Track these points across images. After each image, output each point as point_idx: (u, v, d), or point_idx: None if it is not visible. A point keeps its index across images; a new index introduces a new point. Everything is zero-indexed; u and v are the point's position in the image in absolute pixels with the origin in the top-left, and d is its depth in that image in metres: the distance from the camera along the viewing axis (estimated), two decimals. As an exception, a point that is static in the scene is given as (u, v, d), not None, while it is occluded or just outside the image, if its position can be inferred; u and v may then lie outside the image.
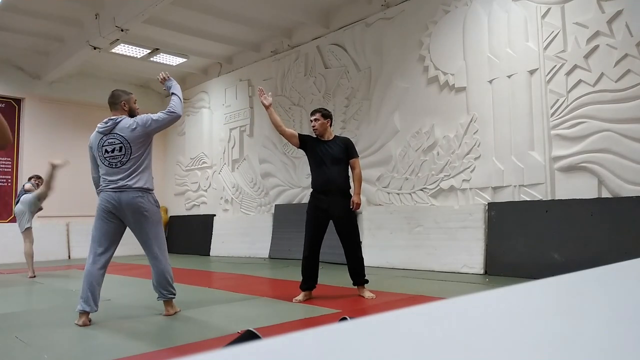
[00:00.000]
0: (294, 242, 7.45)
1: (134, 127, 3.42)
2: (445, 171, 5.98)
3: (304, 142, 4.17)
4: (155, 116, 3.49)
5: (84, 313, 3.25)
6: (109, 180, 3.41)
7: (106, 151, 3.42)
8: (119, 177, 3.40)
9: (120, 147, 3.41)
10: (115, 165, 3.41)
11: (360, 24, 7.16)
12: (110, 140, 3.42)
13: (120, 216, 3.43)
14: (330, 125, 4.23)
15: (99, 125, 3.49)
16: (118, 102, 3.54)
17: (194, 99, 10.57)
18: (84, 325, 3.21)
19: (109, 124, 3.45)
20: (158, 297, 3.55)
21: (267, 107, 4.09)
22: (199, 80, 10.43)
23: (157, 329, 3.21)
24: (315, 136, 4.22)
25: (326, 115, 4.20)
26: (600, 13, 4.79)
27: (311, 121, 4.21)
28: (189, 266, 7.31)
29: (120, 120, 3.46)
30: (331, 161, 4.06)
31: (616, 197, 4.62)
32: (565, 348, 0.45)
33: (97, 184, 3.51)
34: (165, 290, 3.51)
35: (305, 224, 4.13)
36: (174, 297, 3.57)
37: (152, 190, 3.54)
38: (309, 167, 4.24)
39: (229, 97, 9.61)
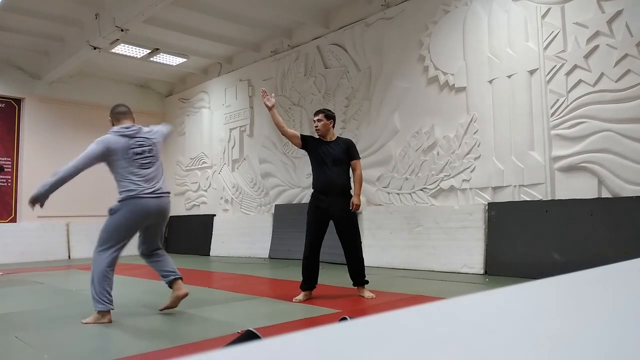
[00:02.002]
0: (294, 242, 7.44)
1: (156, 134, 3.70)
2: (445, 171, 5.98)
3: (306, 143, 4.18)
4: (165, 130, 3.87)
5: (108, 312, 3.34)
6: (144, 186, 3.46)
7: (136, 153, 3.49)
8: (153, 181, 3.51)
9: (150, 149, 3.57)
10: (146, 166, 3.51)
11: (360, 24, 7.16)
12: (139, 142, 3.52)
13: (148, 220, 3.54)
14: (333, 126, 4.25)
15: (119, 129, 3.54)
16: (131, 113, 3.74)
17: (194, 99, 10.57)
18: (109, 322, 3.30)
19: (134, 128, 3.57)
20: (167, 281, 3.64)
21: (270, 109, 4.11)
22: (199, 80, 10.43)
23: (157, 328, 3.21)
24: (317, 137, 4.23)
25: (329, 116, 4.22)
26: (600, 13, 4.79)
27: (314, 121, 4.23)
28: (189, 266, 7.30)
29: (141, 127, 3.63)
30: (332, 162, 4.07)
31: (616, 197, 4.62)
32: (565, 348, 0.45)
33: (64, 181, 3.42)
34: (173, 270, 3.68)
35: (305, 224, 4.13)
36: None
37: None
38: (311, 168, 4.25)
39: (229, 97, 9.61)
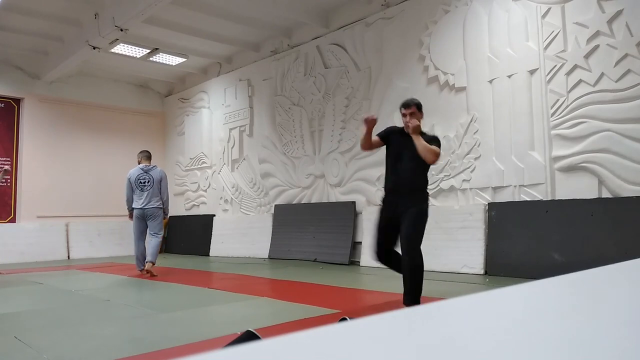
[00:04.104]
0: (294, 243, 7.44)
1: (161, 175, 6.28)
2: (445, 171, 5.98)
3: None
4: (165, 181, 6.30)
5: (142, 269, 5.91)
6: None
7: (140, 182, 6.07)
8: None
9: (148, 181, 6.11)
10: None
11: (360, 23, 7.15)
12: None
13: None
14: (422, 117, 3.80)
15: (140, 166, 6.17)
16: (150, 157, 6.29)
17: (193, 99, 10.56)
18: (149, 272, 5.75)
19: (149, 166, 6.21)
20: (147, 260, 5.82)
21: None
22: (199, 80, 10.42)
23: (157, 329, 3.21)
24: (397, 129, 3.88)
25: (421, 106, 3.76)
26: (600, 13, 4.79)
27: (404, 115, 3.74)
28: (188, 266, 7.30)
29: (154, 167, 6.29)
30: (408, 157, 3.70)
31: (616, 197, 4.62)
32: (564, 348, 0.45)
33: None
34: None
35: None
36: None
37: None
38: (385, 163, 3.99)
39: (229, 97, 9.60)
